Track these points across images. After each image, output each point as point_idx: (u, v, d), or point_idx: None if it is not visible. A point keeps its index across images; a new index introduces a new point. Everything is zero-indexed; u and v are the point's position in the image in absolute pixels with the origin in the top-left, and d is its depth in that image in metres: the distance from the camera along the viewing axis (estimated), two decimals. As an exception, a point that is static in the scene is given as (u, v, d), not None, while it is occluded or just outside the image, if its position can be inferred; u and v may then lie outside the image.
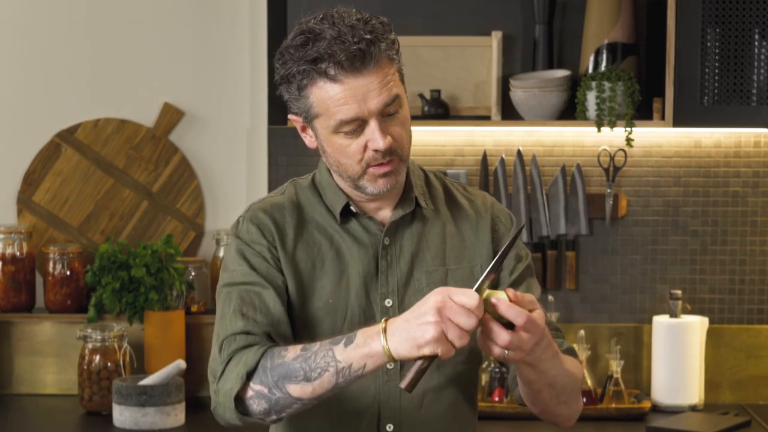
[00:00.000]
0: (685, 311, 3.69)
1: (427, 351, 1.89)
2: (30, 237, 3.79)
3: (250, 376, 2.02)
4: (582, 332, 3.61)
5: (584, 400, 3.52)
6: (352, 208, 2.16)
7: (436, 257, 2.18)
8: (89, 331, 3.58)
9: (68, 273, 3.75)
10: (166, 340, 3.63)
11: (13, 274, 3.75)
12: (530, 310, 1.95)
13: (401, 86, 2.10)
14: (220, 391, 2.06)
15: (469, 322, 1.88)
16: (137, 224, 3.86)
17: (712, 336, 3.72)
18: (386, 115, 2.06)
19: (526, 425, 3.41)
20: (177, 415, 3.40)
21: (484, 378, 3.63)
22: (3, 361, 3.78)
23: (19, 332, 3.77)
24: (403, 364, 2.14)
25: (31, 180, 3.85)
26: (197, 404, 3.61)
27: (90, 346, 3.58)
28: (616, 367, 3.57)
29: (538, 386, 2.09)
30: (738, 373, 3.75)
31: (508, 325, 1.94)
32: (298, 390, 1.99)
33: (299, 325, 2.14)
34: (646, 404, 3.55)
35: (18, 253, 3.75)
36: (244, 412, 2.04)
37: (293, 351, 2.00)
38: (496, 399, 3.57)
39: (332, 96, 2.04)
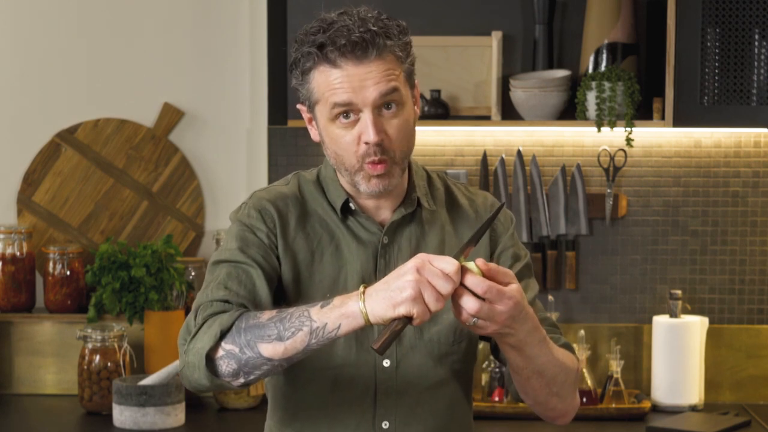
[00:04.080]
0: (685, 311, 3.69)
1: (402, 310, 1.88)
2: (30, 237, 3.79)
3: (223, 335, 2.00)
4: (582, 332, 3.61)
5: (584, 400, 3.52)
6: (351, 205, 2.17)
7: None
8: (89, 331, 3.58)
9: (68, 273, 3.75)
10: (166, 340, 3.63)
11: (13, 274, 3.75)
12: (506, 283, 1.94)
13: (405, 86, 2.10)
14: (191, 351, 2.03)
15: (446, 286, 1.89)
16: (137, 224, 3.86)
17: (712, 336, 3.72)
18: (384, 110, 2.06)
19: (525, 425, 3.41)
20: (177, 415, 3.40)
21: (484, 378, 3.63)
22: (3, 361, 3.78)
23: (19, 332, 3.77)
24: (399, 362, 2.15)
25: (31, 180, 3.85)
26: (197, 404, 3.61)
27: (90, 346, 3.58)
28: (616, 367, 3.57)
29: (526, 373, 2.09)
30: (738, 373, 3.75)
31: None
32: (269, 349, 1.98)
33: None
34: (646, 404, 3.55)
35: (18, 253, 3.75)
36: (213, 373, 2.02)
37: (268, 313, 2.00)
38: (496, 399, 3.57)
39: (330, 81, 2.05)
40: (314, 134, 2.17)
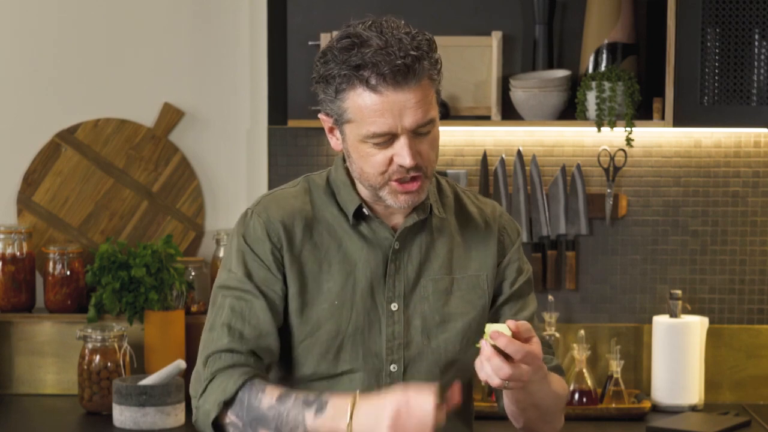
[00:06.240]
0: (685, 311, 3.69)
1: None
2: (30, 237, 3.79)
3: (227, 404, 2.06)
4: (582, 332, 3.61)
5: (584, 400, 3.52)
6: (364, 210, 2.17)
7: (443, 265, 2.19)
8: (89, 331, 3.58)
9: (68, 273, 3.75)
10: (166, 340, 3.63)
11: (13, 274, 3.75)
12: (528, 338, 1.98)
13: (437, 108, 2.12)
14: (200, 409, 2.10)
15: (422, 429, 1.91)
16: (137, 224, 3.86)
17: (712, 336, 3.72)
18: (418, 133, 2.07)
19: (526, 425, 3.41)
20: (177, 415, 3.40)
21: (484, 378, 3.63)
22: (3, 361, 3.78)
23: (19, 332, 3.77)
24: (406, 367, 2.15)
25: (31, 180, 3.85)
26: (197, 404, 3.61)
27: (90, 346, 3.58)
28: (616, 367, 3.57)
29: (524, 405, 2.13)
30: (738, 373, 3.75)
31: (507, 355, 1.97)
32: None
33: (303, 326, 2.14)
34: (646, 404, 3.55)
35: (18, 253, 3.75)
36: (222, 430, 2.10)
37: (269, 397, 2.04)
38: (496, 399, 3.57)
39: (369, 106, 2.04)
40: (335, 143, 2.16)
